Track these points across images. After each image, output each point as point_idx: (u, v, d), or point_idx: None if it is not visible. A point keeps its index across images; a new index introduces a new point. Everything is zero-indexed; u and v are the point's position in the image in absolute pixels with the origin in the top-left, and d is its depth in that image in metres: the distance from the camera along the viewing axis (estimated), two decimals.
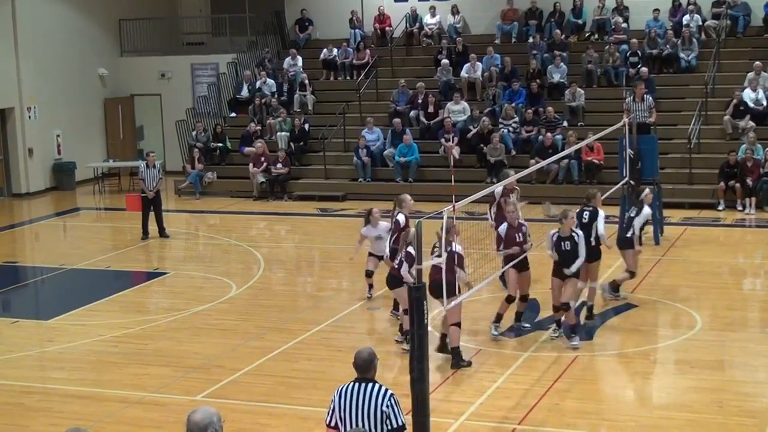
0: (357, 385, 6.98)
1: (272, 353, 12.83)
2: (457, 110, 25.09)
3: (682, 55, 25.27)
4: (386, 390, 6.95)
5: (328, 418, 7.03)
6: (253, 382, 11.84)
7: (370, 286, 15.14)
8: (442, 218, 10.74)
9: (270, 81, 27.94)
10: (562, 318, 12.78)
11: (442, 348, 12.32)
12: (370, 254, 14.93)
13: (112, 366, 12.79)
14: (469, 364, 11.99)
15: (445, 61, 26.63)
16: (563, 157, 21.53)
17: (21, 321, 15.13)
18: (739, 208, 21.23)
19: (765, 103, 23.19)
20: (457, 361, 11.96)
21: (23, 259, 20.35)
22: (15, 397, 11.71)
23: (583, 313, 13.52)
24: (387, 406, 6.86)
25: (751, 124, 22.76)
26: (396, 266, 12.44)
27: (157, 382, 12.01)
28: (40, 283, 18.20)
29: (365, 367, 7.02)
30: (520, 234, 12.91)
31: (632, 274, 14.43)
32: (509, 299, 13.07)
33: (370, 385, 6.96)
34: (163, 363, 12.79)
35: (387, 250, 13.86)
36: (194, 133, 27.05)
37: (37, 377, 12.58)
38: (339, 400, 6.97)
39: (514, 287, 13.08)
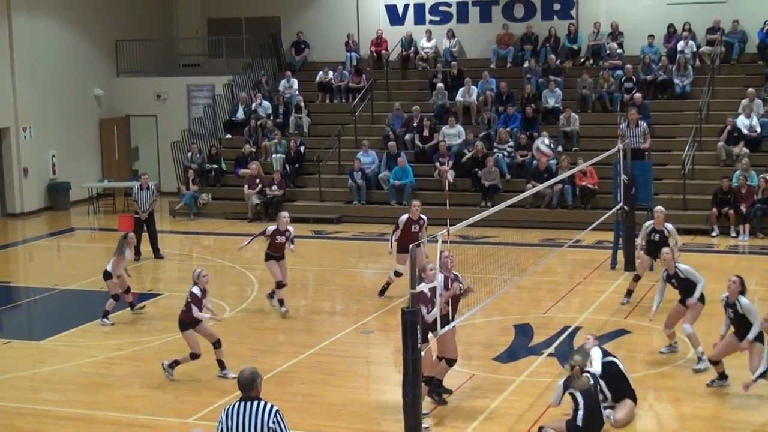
0: (243, 403, 7.26)
1: (265, 376, 12.57)
2: (452, 134, 25.14)
3: (676, 81, 25.37)
4: (272, 406, 7.23)
5: None
6: None
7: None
8: (436, 242, 10.74)
9: (266, 103, 27.99)
10: None
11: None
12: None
13: (105, 388, 12.76)
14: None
15: (440, 84, 26.72)
16: (557, 182, 21.56)
17: (13, 342, 15.08)
18: (733, 234, 21.27)
19: (759, 129, 23.27)
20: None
21: (16, 280, 20.31)
22: (7, 419, 11.67)
23: None
24: (273, 422, 7.16)
25: (745, 150, 22.83)
26: (185, 309, 12.67)
27: (149, 404, 11.98)
28: (33, 303, 18.16)
29: (248, 386, 7.32)
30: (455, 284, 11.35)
31: None
32: (451, 363, 11.57)
33: (255, 402, 7.25)
34: (156, 385, 12.76)
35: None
36: (189, 154, 27.05)
37: (29, 398, 12.52)
38: (226, 419, 7.26)
39: (450, 348, 11.46)
